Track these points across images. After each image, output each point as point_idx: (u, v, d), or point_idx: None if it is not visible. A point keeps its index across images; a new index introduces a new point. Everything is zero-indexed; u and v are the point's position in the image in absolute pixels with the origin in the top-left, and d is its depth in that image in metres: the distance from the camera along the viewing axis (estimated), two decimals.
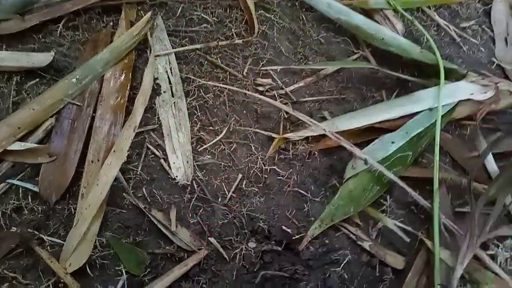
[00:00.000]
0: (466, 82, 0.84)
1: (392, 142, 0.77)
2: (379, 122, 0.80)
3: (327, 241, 0.69)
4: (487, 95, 0.86)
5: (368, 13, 0.95)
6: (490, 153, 0.80)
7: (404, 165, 0.76)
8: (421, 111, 0.81)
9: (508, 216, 0.74)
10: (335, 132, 0.75)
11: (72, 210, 0.63)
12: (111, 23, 0.85)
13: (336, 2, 0.92)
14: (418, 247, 0.69)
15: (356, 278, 0.67)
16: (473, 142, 0.82)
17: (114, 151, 0.66)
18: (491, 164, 0.79)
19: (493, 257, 0.69)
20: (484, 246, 0.69)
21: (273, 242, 0.68)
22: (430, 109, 0.81)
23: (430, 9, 1.01)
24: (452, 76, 0.87)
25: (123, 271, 0.60)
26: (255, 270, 0.65)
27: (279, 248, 0.67)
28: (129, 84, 0.76)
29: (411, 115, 0.81)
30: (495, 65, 0.98)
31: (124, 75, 0.77)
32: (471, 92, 0.82)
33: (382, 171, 0.72)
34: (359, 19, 0.91)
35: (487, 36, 1.01)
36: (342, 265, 0.67)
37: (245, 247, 0.67)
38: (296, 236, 0.68)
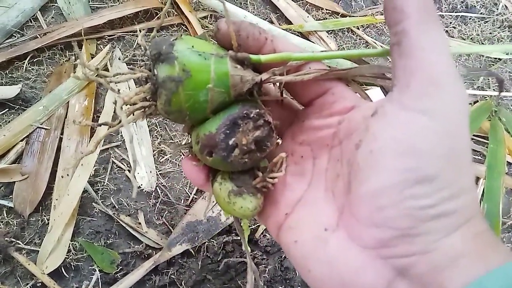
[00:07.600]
0: None
1: None
2: None
3: None
4: None
5: (305, 35, 1.09)
6: None
7: None
8: None
9: None
10: None
11: (46, 221, 0.69)
12: (73, 57, 0.93)
13: (275, 27, 1.05)
14: None
15: None
16: None
17: (81, 164, 0.73)
18: None
19: None
20: None
21: (233, 234, 0.75)
22: None
23: (359, 29, 1.16)
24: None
25: (97, 270, 0.65)
26: (218, 259, 0.72)
27: (239, 238, 0.75)
28: (92, 108, 0.84)
29: None
30: None
31: (87, 100, 0.85)
32: None
33: None
34: (297, 41, 1.04)
35: None
36: None
37: (208, 240, 0.74)
38: (253, 227, 0.76)
